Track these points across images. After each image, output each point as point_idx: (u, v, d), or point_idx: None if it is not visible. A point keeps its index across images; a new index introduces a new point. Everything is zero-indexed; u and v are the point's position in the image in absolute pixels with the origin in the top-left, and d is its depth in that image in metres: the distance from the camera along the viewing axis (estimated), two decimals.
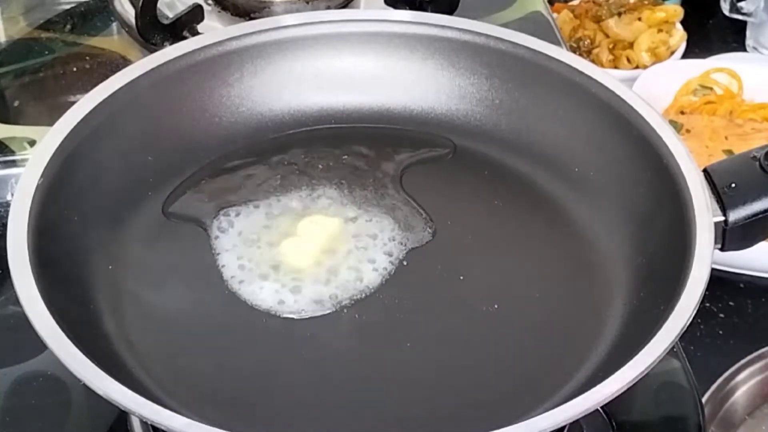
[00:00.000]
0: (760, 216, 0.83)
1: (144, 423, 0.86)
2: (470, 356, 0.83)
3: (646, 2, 1.61)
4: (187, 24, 1.10)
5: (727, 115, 1.40)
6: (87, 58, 1.23)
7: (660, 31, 1.58)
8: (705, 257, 0.79)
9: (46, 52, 1.24)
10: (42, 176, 0.84)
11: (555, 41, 1.17)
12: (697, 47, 1.60)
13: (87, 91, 0.92)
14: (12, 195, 0.93)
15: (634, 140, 0.90)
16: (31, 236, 0.80)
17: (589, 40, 1.58)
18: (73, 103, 0.91)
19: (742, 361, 1.08)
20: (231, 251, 0.89)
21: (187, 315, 0.85)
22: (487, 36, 0.99)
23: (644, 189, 0.89)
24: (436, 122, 1.00)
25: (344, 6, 1.17)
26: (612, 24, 1.58)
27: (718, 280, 1.02)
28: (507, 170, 0.97)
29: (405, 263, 0.89)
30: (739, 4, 1.61)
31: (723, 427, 1.06)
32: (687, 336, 0.79)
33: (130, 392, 0.71)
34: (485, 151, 0.98)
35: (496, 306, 0.85)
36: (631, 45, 1.57)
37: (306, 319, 0.84)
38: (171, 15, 1.10)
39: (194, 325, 0.85)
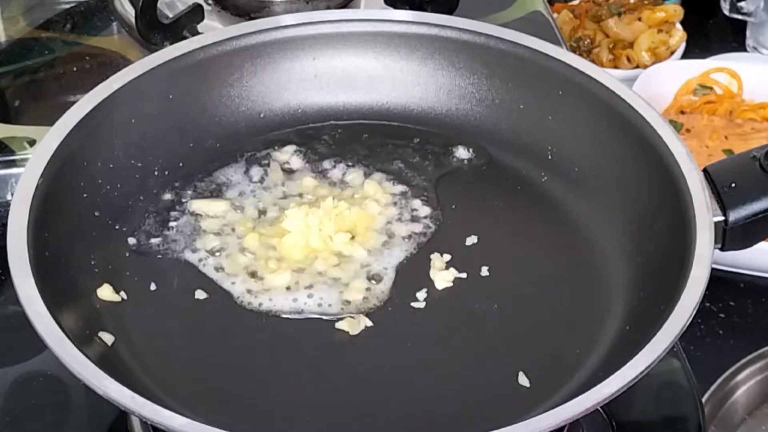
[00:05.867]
0: (760, 216, 0.83)
1: (144, 423, 0.86)
2: (470, 356, 0.83)
3: (646, 2, 1.61)
4: (187, 24, 1.10)
5: (727, 115, 1.40)
6: (87, 58, 1.23)
7: (660, 31, 1.58)
8: (705, 257, 0.79)
9: (46, 52, 1.24)
10: (42, 176, 0.84)
11: (555, 41, 1.17)
12: (697, 47, 1.60)
13: (87, 91, 0.92)
14: (12, 195, 0.93)
15: (634, 140, 0.90)
16: (31, 236, 0.80)
17: (589, 40, 1.58)
18: (73, 103, 0.91)
19: (742, 361, 1.08)
20: (232, 251, 0.89)
21: (187, 315, 0.85)
22: (487, 36, 0.99)
23: (644, 189, 0.89)
24: (436, 122, 1.00)
25: (344, 6, 1.17)
26: (612, 24, 1.58)
27: (718, 280, 1.01)
28: (506, 170, 0.97)
29: (404, 262, 0.89)
30: (739, 4, 1.61)
31: (723, 427, 1.06)
32: (687, 336, 0.79)
33: (129, 392, 0.71)
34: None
35: (495, 306, 0.86)
36: (631, 45, 1.57)
37: (306, 319, 0.85)
38: (171, 15, 1.10)
39: (194, 326, 0.85)
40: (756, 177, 0.84)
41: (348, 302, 0.85)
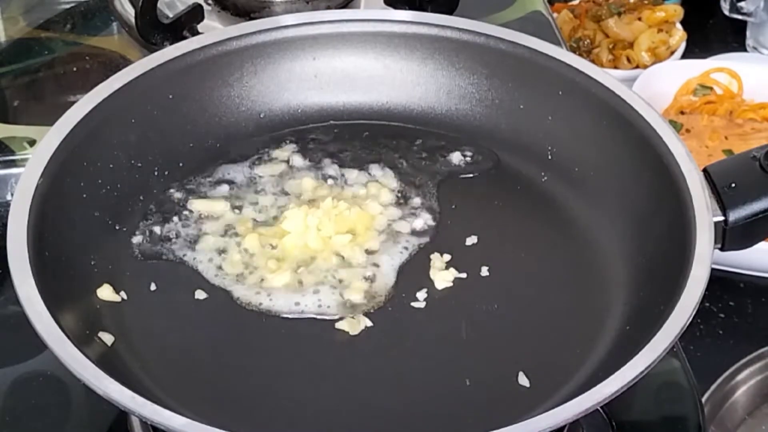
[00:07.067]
0: (760, 216, 0.83)
1: (144, 423, 0.86)
2: (470, 356, 0.83)
3: (646, 2, 1.61)
4: (187, 24, 1.10)
5: (727, 115, 1.40)
6: (87, 58, 1.23)
7: (660, 31, 1.58)
8: (705, 257, 0.79)
9: (46, 52, 1.24)
10: (42, 176, 0.84)
11: (555, 41, 1.17)
12: (697, 47, 1.60)
13: (87, 91, 0.92)
14: (12, 195, 0.93)
15: (634, 140, 0.90)
16: (31, 236, 0.80)
17: (589, 40, 1.58)
18: (73, 103, 0.91)
19: (742, 361, 1.08)
20: (232, 251, 0.89)
21: (187, 315, 0.85)
22: (487, 36, 0.99)
23: (644, 189, 0.89)
24: (436, 122, 1.00)
25: (344, 6, 1.17)
26: (612, 24, 1.58)
27: (718, 280, 1.02)
28: (506, 170, 0.97)
29: (404, 262, 0.89)
30: (739, 4, 1.61)
31: (723, 427, 1.06)
32: (687, 336, 0.79)
33: (129, 392, 0.71)
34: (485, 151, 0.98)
35: (495, 306, 0.86)
36: (631, 45, 1.57)
37: (306, 319, 0.85)
38: (171, 15, 1.10)
39: (194, 325, 0.85)
40: (756, 177, 0.84)
41: (348, 302, 0.85)
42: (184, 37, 1.07)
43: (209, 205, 0.93)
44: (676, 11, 1.60)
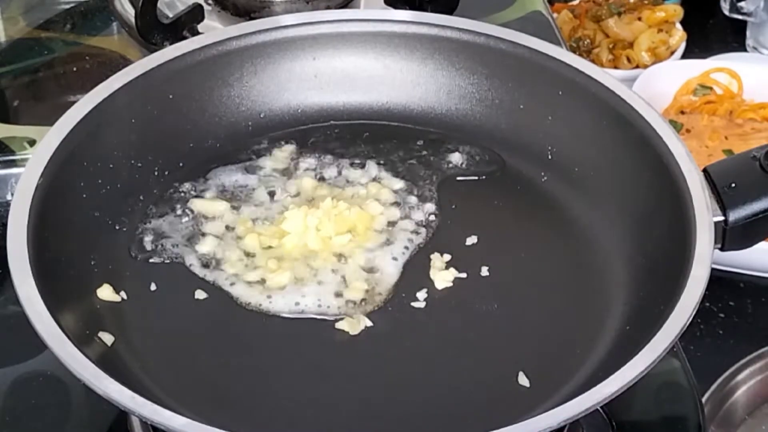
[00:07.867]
0: (760, 216, 0.84)
1: (144, 423, 0.86)
2: (470, 356, 0.83)
3: (646, 2, 1.61)
4: (187, 24, 1.10)
5: (727, 115, 1.40)
6: (87, 58, 1.23)
7: (660, 31, 1.58)
8: (705, 257, 0.79)
9: (46, 52, 1.24)
10: (42, 176, 0.84)
11: (555, 41, 1.17)
12: (697, 47, 1.60)
13: (87, 91, 0.92)
14: (12, 195, 0.93)
15: (634, 140, 0.90)
16: (31, 236, 0.80)
17: (589, 40, 1.58)
18: (73, 103, 0.91)
19: (742, 361, 1.08)
20: (231, 251, 0.89)
21: (187, 315, 0.85)
22: (487, 36, 0.99)
23: (644, 189, 0.89)
24: (436, 122, 1.00)
25: (344, 6, 1.17)
26: (612, 24, 1.58)
27: (718, 280, 1.02)
28: (506, 170, 0.97)
29: (405, 263, 0.89)
30: (739, 4, 1.61)
31: (723, 426, 1.06)
32: (687, 336, 0.79)
33: (129, 392, 0.71)
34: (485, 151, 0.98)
35: (495, 306, 0.86)
36: (631, 45, 1.57)
37: (306, 319, 0.85)
38: (171, 15, 1.10)
39: (194, 325, 0.85)
40: (756, 177, 0.84)
41: (348, 302, 0.85)
42: (184, 37, 1.07)
43: (209, 205, 0.93)
44: (676, 11, 1.60)
